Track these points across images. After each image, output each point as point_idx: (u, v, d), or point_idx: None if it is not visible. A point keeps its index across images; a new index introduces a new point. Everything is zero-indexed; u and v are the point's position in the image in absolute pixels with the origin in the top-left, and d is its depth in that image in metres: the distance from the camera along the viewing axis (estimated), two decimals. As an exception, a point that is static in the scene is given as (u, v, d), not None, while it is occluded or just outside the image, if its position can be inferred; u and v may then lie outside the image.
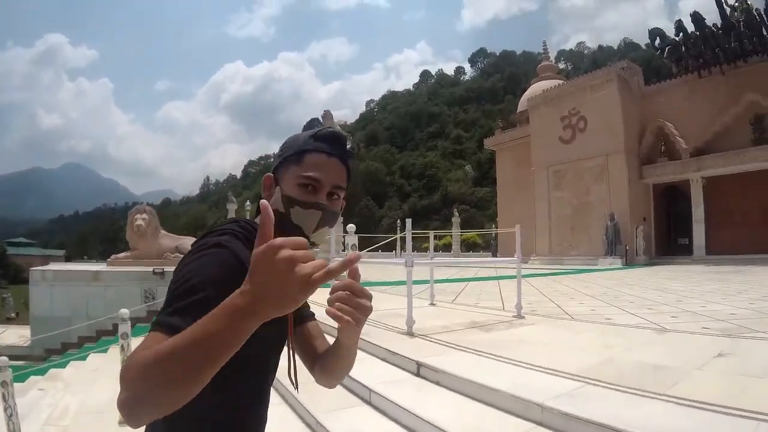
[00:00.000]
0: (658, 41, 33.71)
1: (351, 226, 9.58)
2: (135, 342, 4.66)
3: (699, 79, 31.58)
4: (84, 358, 11.37)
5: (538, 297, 11.57)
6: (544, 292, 12.75)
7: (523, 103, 44.23)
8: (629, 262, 29.95)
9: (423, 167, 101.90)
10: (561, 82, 40.38)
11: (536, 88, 42.49)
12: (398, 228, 48.44)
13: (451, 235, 48.69)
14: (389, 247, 41.66)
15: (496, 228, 43.59)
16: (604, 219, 31.10)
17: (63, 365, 11.13)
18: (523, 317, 7.99)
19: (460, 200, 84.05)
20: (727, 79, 30.41)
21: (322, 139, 1.35)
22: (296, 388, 1.37)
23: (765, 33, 29.00)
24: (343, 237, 10.32)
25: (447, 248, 50.00)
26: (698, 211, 31.01)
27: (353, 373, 4.63)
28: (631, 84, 34.17)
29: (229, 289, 0.92)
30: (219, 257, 1.14)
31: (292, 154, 1.34)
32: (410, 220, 7.48)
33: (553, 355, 5.33)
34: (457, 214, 49.63)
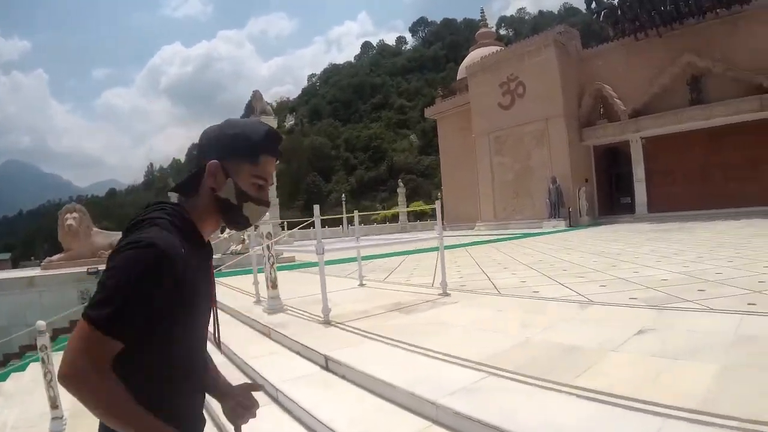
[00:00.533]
0: (594, 5, 33.90)
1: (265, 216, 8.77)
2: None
3: (636, 41, 32.02)
4: (23, 368, 10.98)
5: (471, 269, 11.42)
6: (480, 262, 12.62)
7: (462, 71, 44.14)
8: (573, 224, 30.54)
9: (368, 139, 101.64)
10: (499, 48, 40.43)
11: (475, 55, 42.51)
12: (344, 203, 48.55)
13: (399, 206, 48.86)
14: (337, 222, 41.64)
15: (441, 197, 44.02)
16: (547, 182, 31.56)
17: (4, 377, 10.71)
18: (449, 294, 7.78)
19: (406, 170, 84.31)
20: (663, 41, 30.92)
21: (272, 140, 1.50)
22: (219, 349, 1.64)
23: None
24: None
25: (396, 219, 49.92)
26: (639, 171, 31.81)
27: (264, 370, 4.71)
28: (569, 48, 34.41)
29: (158, 287, 1.24)
30: (148, 256, 1.25)
31: (249, 151, 1.46)
32: (317, 206, 7.01)
33: (468, 339, 5.22)
34: (402, 184, 49.81)
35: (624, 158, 32.99)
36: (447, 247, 17.90)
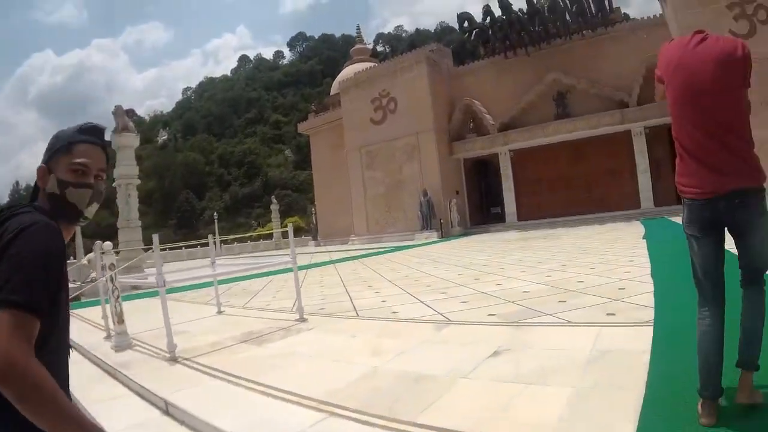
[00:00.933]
0: (466, 24, 34.78)
1: (107, 244, 7.58)
2: None
3: (506, 59, 33.30)
4: None
5: (334, 288, 10.78)
6: (346, 280, 12.06)
7: (335, 87, 44.01)
8: (445, 235, 30.70)
9: (242, 154, 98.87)
10: (373, 64, 40.74)
11: (349, 71, 42.38)
12: (215, 221, 46.90)
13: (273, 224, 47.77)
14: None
15: (315, 212, 43.45)
16: (418, 195, 31.65)
17: None
18: (306, 320, 7.18)
19: (281, 185, 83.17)
20: (532, 60, 32.35)
21: (86, 131, 1.59)
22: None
23: (567, 18, 31.27)
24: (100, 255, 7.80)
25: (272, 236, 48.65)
26: (507, 182, 32.84)
27: (101, 416, 4.11)
28: (441, 65, 35.08)
29: (61, 260, 1.34)
30: (51, 231, 1.36)
31: (62, 146, 1.55)
32: (156, 235, 6.25)
33: (316, 372, 4.69)
34: (276, 201, 48.68)
35: (493, 170, 33.98)
36: (316, 265, 17.43)
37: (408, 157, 33.46)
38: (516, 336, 4.98)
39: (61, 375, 1.42)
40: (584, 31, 31.35)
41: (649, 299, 5.85)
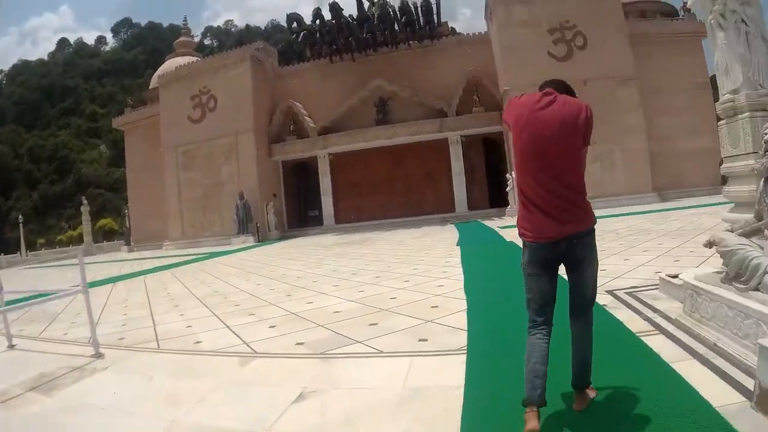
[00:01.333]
0: (295, 25, 33.69)
1: None
2: None
3: (331, 63, 33.07)
4: None
5: (138, 310, 9.15)
6: (152, 297, 10.55)
7: (155, 80, 41.17)
8: (262, 239, 29.82)
9: (54, 148, 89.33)
10: (197, 59, 38.71)
11: (170, 64, 40.02)
12: (20, 224, 42.82)
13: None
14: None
15: (128, 215, 40.68)
16: (235, 198, 30.39)
17: None
18: (102, 355, 5.82)
19: (95, 183, 77.46)
20: (357, 65, 32.48)
21: None
22: None
23: (396, 27, 31.60)
24: None
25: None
26: (326, 185, 32.63)
27: None
28: (266, 65, 34.14)
29: None
30: None
31: None
32: None
33: None
34: (86, 202, 44.55)
35: (313, 172, 33.52)
36: (123, 277, 15.72)
37: (226, 158, 32.07)
38: (324, 371, 4.42)
39: None
40: (411, 42, 32.00)
41: (462, 320, 5.60)
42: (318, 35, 32.54)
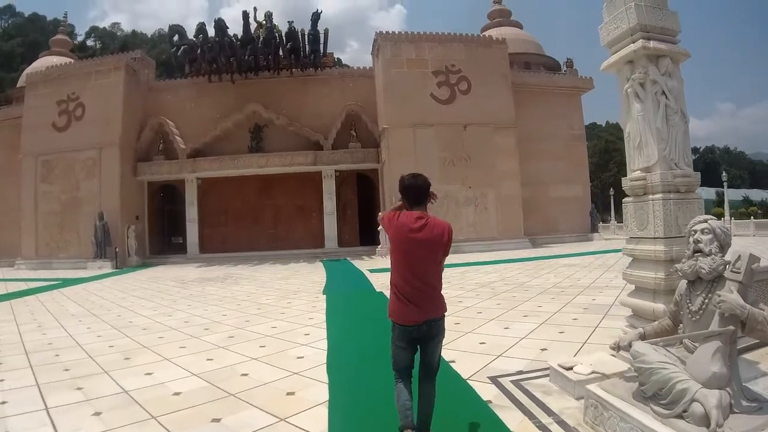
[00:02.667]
0: (176, 38, 32.00)
1: None
2: None
3: (209, 83, 31.77)
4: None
5: None
6: None
7: (23, 78, 38.36)
8: (120, 265, 28.07)
9: None
10: (69, 61, 36.04)
11: (42, 63, 37.68)
12: None
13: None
14: None
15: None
16: (95, 218, 28.49)
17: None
18: None
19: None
20: (236, 88, 31.36)
21: None
22: None
23: (280, 53, 30.79)
24: None
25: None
26: (192, 211, 31.27)
27: None
28: (141, 76, 32.51)
29: None
30: None
31: None
32: None
33: None
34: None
35: (180, 197, 32.09)
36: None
37: (88, 173, 29.98)
38: None
39: None
40: (294, 69, 31.25)
41: (322, 417, 4.72)
42: (199, 51, 30.84)
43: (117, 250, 28.27)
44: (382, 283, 14.94)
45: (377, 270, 19.49)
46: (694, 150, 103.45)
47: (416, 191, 3.96)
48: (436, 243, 3.75)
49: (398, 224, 3.82)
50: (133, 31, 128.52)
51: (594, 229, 33.66)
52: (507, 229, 27.52)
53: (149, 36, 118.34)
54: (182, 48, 31.52)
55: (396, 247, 3.82)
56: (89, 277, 23.41)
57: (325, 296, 13.10)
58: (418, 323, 3.71)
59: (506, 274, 15.76)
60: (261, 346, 7.74)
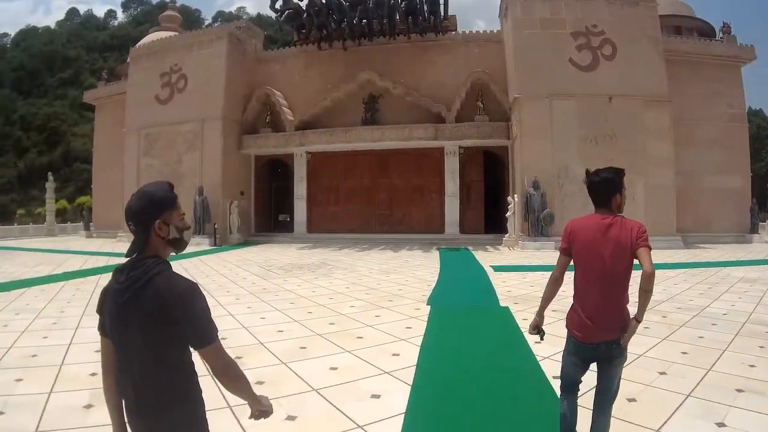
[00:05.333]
0: (280, 3, 29.05)
1: None
2: None
3: (319, 50, 28.82)
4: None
5: None
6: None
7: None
8: (221, 243, 26.01)
9: (46, 118, 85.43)
10: (174, 34, 34.43)
11: (150, 38, 36.18)
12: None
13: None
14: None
15: (91, 196, 37.18)
16: (195, 192, 26.39)
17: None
18: None
19: (83, 158, 72.93)
20: (348, 56, 28.39)
21: (172, 188, 2.28)
22: None
23: (396, 16, 27.09)
24: None
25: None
26: (300, 187, 29.02)
27: None
28: (247, 46, 30.15)
29: None
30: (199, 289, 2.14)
31: (171, 204, 2.20)
32: None
33: None
34: (52, 178, 40.39)
35: (288, 173, 29.73)
36: (37, 281, 12.19)
37: (190, 146, 27.99)
38: None
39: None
40: (412, 34, 27.65)
41: None
42: (305, 15, 27.50)
43: (216, 226, 26.02)
44: (508, 291, 11.23)
45: (503, 268, 15.62)
46: None
47: (595, 189, 3.32)
48: (624, 244, 3.12)
49: (578, 226, 3.32)
50: (258, 15, 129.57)
51: (754, 228, 28.30)
52: (657, 225, 22.48)
53: (273, 18, 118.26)
54: (286, 13, 28.49)
55: (577, 254, 3.28)
56: (185, 253, 21.11)
57: (429, 308, 9.44)
58: (596, 343, 3.22)
59: (672, 290, 11.32)
60: (289, 418, 4.38)
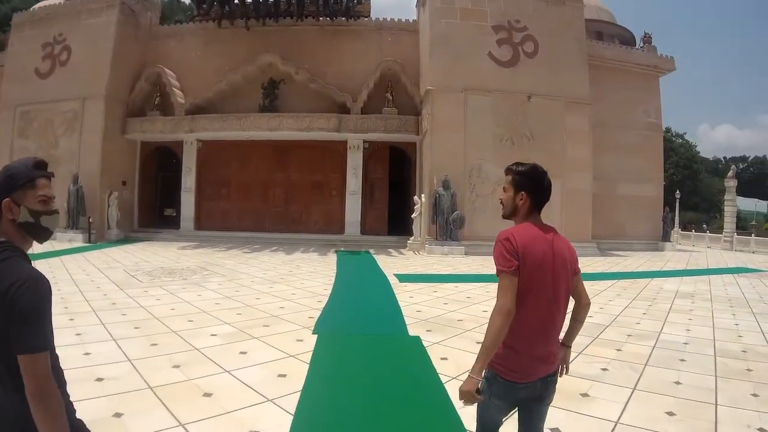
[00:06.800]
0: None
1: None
2: None
3: (219, 28, 26.19)
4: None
5: None
6: None
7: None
8: (97, 239, 23.11)
9: None
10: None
11: (40, 5, 32.80)
12: None
13: None
14: None
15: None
16: (69, 181, 23.36)
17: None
18: None
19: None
20: (251, 36, 25.93)
21: (41, 167, 2.00)
22: None
23: (308, 0, 24.92)
24: None
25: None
26: (189, 179, 26.38)
27: None
28: (142, 19, 27.18)
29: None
30: (45, 283, 1.87)
31: (26, 182, 1.91)
32: None
33: None
34: None
35: (177, 162, 27.01)
36: None
37: (68, 127, 24.93)
38: None
39: (61, 381, 1.95)
40: (321, 17, 25.56)
41: None
42: None
43: (91, 220, 23.10)
44: (417, 312, 9.20)
45: (410, 278, 13.65)
46: (742, 159, 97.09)
47: (542, 191, 2.73)
48: (567, 263, 2.68)
49: (526, 239, 2.58)
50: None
51: (666, 237, 27.80)
52: (573, 230, 21.19)
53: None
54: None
55: (527, 276, 2.54)
56: (55, 251, 18.49)
57: (315, 338, 7.18)
58: (532, 381, 2.63)
59: (610, 308, 9.85)
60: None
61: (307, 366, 5.93)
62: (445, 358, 6.22)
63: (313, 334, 7.45)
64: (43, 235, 1.98)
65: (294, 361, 6.12)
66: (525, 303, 2.54)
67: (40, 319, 1.74)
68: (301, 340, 7.08)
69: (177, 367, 5.76)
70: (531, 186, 2.66)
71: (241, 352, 6.43)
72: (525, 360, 2.59)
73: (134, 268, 14.62)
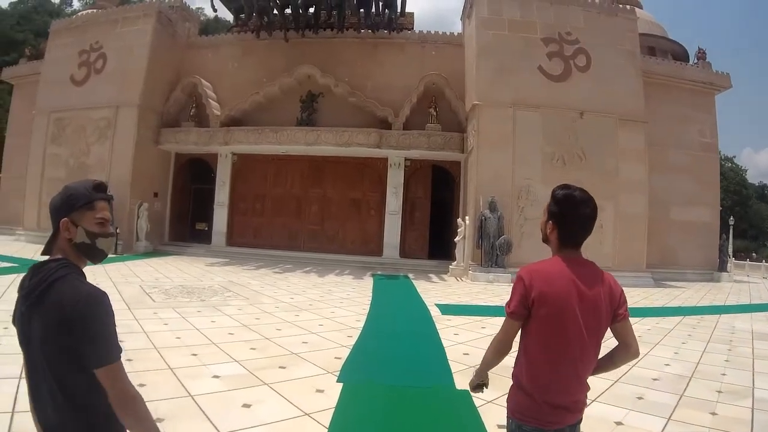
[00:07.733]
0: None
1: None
2: None
3: (257, 39, 25.49)
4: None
5: None
6: None
7: (52, 30, 33.40)
8: (124, 252, 22.35)
9: None
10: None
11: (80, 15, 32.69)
12: None
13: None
14: None
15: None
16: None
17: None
18: None
19: None
20: (290, 48, 25.14)
21: (100, 189, 1.97)
22: None
23: (346, 8, 23.87)
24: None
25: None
26: (222, 193, 25.64)
27: None
28: (178, 29, 26.65)
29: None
30: (107, 300, 1.81)
31: (85, 203, 1.90)
32: None
33: None
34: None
35: (210, 174, 26.31)
36: None
37: (100, 135, 24.38)
38: None
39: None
40: (362, 29, 24.76)
41: None
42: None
43: (118, 231, 22.14)
44: (464, 354, 7.73)
45: (453, 309, 12.19)
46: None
47: (584, 221, 2.30)
48: (606, 307, 2.28)
49: (545, 281, 2.25)
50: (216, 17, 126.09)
51: (722, 266, 26.06)
52: (626, 257, 19.89)
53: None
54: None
55: (543, 322, 2.27)
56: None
57: (339, 389, 5.78)
58: (560, 427, 2.31)
59: (685, 353, 8.41)
60: None
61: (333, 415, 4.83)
62: (502, 427, 4.56)
63: (337, 382, 6.07)
64: (98, 256, 1.97)
65: (309, 424, 4.76)
66: (539, 349, 2.32)
67: (105, 333, 1.72)
68: (322, 391, 5.72)
69: (159, 421, 4.44)
70: (559, 215, 2.31)
71: (245, 405, 5.10)
72: (545, 408, 2.28)
73: (152, 285, 13.66)
